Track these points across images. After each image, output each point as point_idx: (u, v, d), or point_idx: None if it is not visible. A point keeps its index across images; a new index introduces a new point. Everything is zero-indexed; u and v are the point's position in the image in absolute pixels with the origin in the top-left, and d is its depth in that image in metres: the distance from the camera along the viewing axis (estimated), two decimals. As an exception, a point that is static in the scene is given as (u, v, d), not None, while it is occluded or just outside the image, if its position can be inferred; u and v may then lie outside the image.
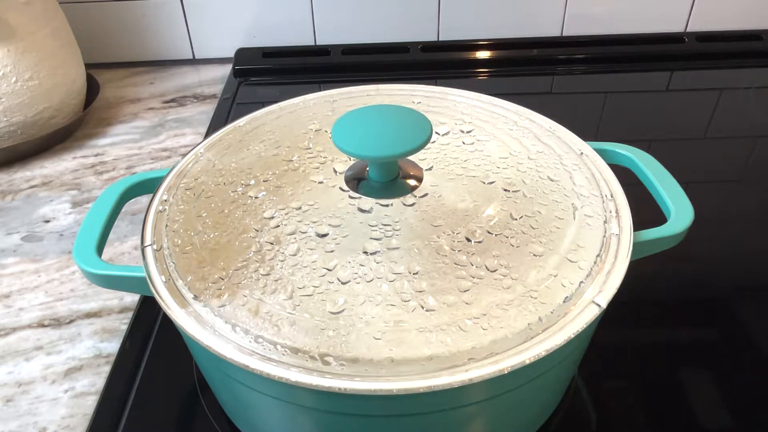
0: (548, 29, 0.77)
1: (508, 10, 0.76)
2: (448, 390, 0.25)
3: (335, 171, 0.35)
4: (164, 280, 0.30)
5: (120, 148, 0.63)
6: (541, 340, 0.26)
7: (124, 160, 0.61)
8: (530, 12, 0.76)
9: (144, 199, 0.47)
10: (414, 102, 0.42)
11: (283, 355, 0.26)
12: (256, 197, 0.34)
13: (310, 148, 0.37)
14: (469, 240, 0.30)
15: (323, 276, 0.29)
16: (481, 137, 0.38)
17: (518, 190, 0.33)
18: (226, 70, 0.77)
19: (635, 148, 0.39)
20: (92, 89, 0.69)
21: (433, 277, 0.28)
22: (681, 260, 0.46)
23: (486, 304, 0.27)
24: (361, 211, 0.32)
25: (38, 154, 0.62)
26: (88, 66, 0.68)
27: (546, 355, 0.25)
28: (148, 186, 0.38)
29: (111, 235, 0.36)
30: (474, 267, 0.29)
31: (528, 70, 0.74)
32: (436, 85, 0.44)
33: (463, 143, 0.37)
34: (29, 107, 0.59)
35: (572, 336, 0.26)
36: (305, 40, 0.78)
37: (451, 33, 0.77)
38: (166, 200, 0.35)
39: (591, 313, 0.27)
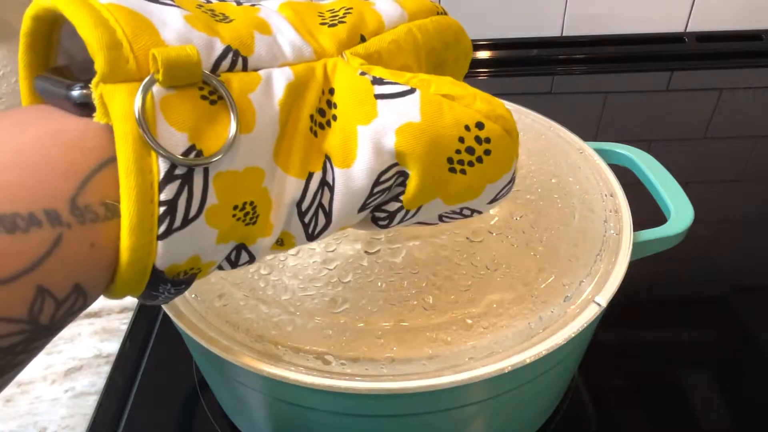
0: (548, 29, 0.77)
1: (508, 10, 0.75)
2: (449, 390, 0.25)
3: (335, 171, 0.35)
4: (164, 279, 0.30)
5: (120, 148, 0.63)
6: (542, 339, 0.26)
7: (124, 160, 0.61)
8: (530, 12, 0.76)
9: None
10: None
11: (284, 355, 0.26)
12: (256, 197, 0.34)
13: (310, 148, 0.37)
14: (469, 240, 0.30)
15: (323, 276, 0.29)
16: (481, 137, 0.38)
17: (518, 190, 0.33)
18: (226, 70, 0.77)
19: (635, 148, 0.39)
20: (92, 89, 0.68)
21: (433, 276, 0.28)
22: (681, 260, 0.46)
23: (486, 304, 0.27)
24: (362, 210, 0.32)
25: (38, 154, 0.62)
26: (88, 66, 0.68)
27: (546, 354, 0.25)
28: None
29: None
30: (474, 266, 0.29)
31: (528, 70, 0.74)
32: (436, 85, 0.44)
33: (463, 143, 0.37)
34: (29, 107, 0.59)
35: (572, 335, 0.26)
36: (305, 40, 0.78)
37: (451, 33, 0.77)
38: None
39: (591, 313, 0.27)
